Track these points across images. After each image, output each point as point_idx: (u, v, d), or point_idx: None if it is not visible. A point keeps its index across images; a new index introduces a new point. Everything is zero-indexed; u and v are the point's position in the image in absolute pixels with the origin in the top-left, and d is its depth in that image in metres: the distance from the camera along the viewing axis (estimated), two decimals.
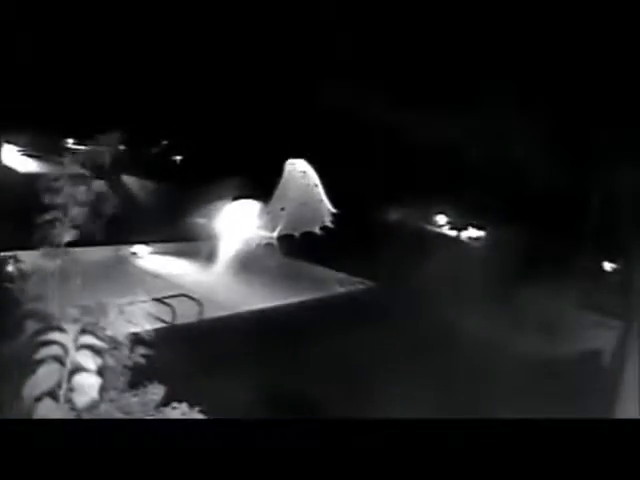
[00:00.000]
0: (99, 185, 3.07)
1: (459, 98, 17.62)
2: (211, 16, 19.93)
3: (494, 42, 17.07)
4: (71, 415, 2.25)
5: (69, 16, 18.79)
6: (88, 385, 2.24)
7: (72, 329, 2.30)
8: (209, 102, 21.07)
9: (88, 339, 2.31)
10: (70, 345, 2.26)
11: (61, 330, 2.29)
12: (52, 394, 2.21)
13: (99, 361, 2.32)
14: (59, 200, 3.16)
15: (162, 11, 19.73)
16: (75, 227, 3.22)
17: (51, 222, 3.00)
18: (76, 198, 3.19)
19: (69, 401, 2.23)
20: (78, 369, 2.24)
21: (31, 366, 2.22)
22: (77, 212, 3.19)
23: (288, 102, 20.09)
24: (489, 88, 16.06)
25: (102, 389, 2.92)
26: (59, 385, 2.22)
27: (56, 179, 3.12)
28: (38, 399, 2.19)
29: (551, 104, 16.99)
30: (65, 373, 2.22)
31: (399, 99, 17.59)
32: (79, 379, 2.24)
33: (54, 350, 2.24)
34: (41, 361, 2.22)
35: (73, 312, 2.98)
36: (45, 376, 2.21)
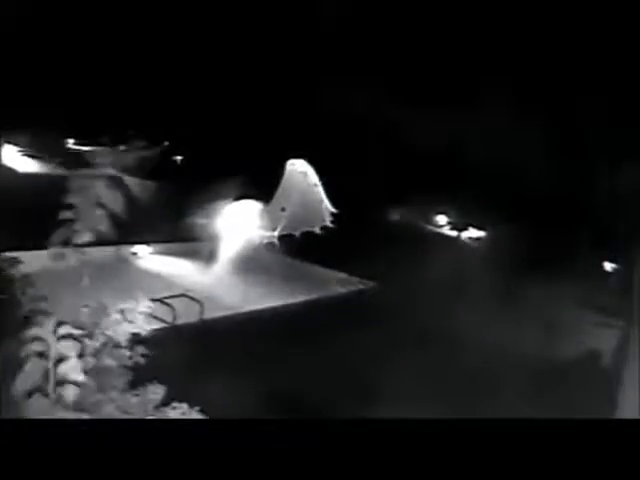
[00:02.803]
0: (108, 185, 3.07)
1: (459, 98, 17.62)
2: (212, 17, 19.94)
3: (494, 42, 17.07)
4: (62, 408, 2.28)
5: (70, 16, 18.79)
6: (72, 369, 2.28)
7: (49, 322, 2.34)
8: (210, 102, 21.08)
9: (66, 329, 2.35)
10: (50, 338, 2.30)
11: (39, 325, 2.34)
12: (41, 389, 2.24)
13: (79, 346, 2.37)
14: (64, 201, 3.16)
15: (163, 11, 19.73)
16: (78, 228, 3.21)
17: (53, 223, 3.00)
18: (81, 198, 3.19)
19: (58, 393, 2.26)
20: (61, 359, 2.28)
21: (18, 364, 2.25)
22: (81, 213, 3.18)
23: (289, 103, 20.10)
24: (489, 88, 16.06)
25: (102, 389, 2.92)
26: (46, 378, 2.25)
27: (67, 179, 3.13)
28: (28, 395, 2.22)
29: (551, 104, 16.99)
30: (50, 366, 2.26)
31: (399, 99, 17.59)
32: (63, 368, 2.28)
33: (36, 346, 2.28)
34: (26, 358, 2.26)
35: (73, 313, 3.00)
36: (31, 372, 2.24)
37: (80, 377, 2.30)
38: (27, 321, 2.57)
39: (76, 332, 2.40)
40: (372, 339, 9.83)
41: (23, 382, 2.22)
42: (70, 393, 2.25)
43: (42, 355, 2.27)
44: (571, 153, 17.00)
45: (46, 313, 2.53)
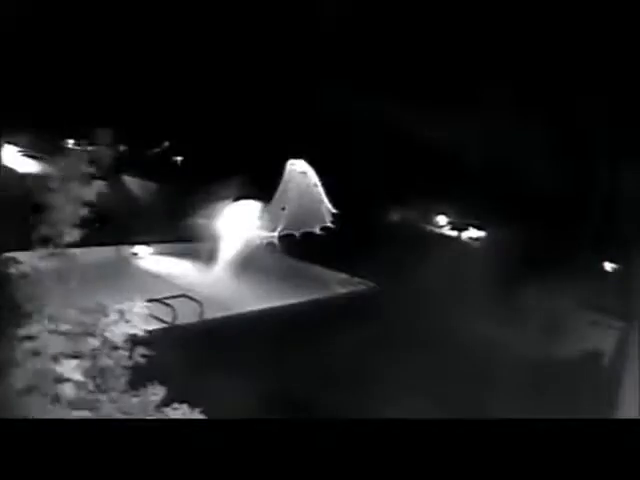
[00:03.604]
0: (100, 185, 3.07)
1: (460, 98, 17.62)
2: (212, 16, 19.94)
3: (494, 42, 17.07)
4: (60, 406, 2.28)
5: (69, 16, 18.80)
6: (70, 369, 2.28)
7: (46, 322, 2.35)
8: (210, 103, 21.07)
9: (63, 327, 2.35)
10: (47, 336, 2.30)
11: (38, 323, 2.34)
12: (38, 387, 2.24)
13: (75, 345, 2.36)
14: (59, 200, 3.16)
15: (162, 11, 19.74)
16: (75, 227, 3.21)
17: (51, 222, 3.00)
18: (77, 198, 3.19)
19: (55, 392, 2.26)
20: (58, 357, 2.28)
21: (15, 362, 2.25)
22: (78, 212, 3.18)
23: (289, 103, 20.10)
24: (490, 88, 16.07)
25: (102, 389, 2.92)
26: (44, 376, 2.25)
27: (56, 179, 3.12)
28: (26, 393, 2.22)
29: (552, 104, 16.99)
30: (47, 363, 2.26)
31: (399, 99, 17.59)
32: (61, 367, 2.28)
33: (34, 344, 2.28)
34: (23, 356, 2.26)
35: (73, 313, 2.99)
36: (27, 370, 2.24)
37: (78, 376, 2.30)
38: (22, 320, 2.56)
39: (71, 330, 2.40)
40: (372, 339, 9.83)
41: (19, 380, 2.22)
42: (68, 392, 2.25)
43: (37, 354, 2.27)
44: (571, 153, 17.00)
45: (40, 311, 2.52)
